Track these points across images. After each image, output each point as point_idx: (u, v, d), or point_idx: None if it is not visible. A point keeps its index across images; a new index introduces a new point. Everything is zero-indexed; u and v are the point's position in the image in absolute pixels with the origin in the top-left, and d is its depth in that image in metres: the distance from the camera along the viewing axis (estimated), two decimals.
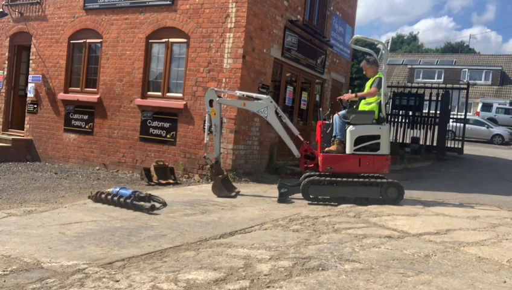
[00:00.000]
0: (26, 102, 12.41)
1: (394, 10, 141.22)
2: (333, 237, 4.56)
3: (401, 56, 48.04)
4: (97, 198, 6.21)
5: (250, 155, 9.72)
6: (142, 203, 5.81)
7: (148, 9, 10.31)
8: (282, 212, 6.02)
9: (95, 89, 11.08)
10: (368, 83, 7.27)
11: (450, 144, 16.16)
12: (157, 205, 5.92)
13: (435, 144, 15.88)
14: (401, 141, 16.29)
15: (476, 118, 27.63)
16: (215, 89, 7.80)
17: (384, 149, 6.81)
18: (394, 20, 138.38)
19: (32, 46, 12.23)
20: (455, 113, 17.70)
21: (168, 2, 9.95)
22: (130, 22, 10.55)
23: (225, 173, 7.86)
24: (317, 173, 6.99)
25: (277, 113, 7.31)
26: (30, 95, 12.17)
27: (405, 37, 76.11)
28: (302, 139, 7.44)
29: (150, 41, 10.33)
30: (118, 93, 10.66)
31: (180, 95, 9.87)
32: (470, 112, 29.05)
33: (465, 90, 16.57)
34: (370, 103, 6.99)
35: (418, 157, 14.58)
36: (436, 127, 15.85)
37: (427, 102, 16.20)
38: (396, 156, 12.05)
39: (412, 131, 16.55)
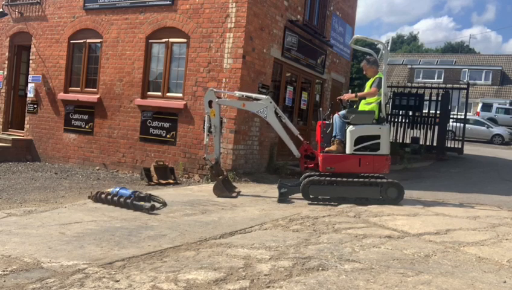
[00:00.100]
0: (26, 102, 12.41)
1: (394, 10, 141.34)
2: (333, 237, 4.56)
3: (401, 56, 48.04)
4: (97, 198, 6.21)
5: (250, 155, 9.73)
6: (142, 203, 5.82)
7: (148, 9, 10.31)
8: (282, 212, 6.02)
9: (95, 89, 11.08)
10: (368, 83, 7.27)
11: (450, 144, 16.16)
12: (157, 205, 5.92)
13: (435, 144, 15.88)
14: (401, 141, 16.29)
15: (476, 118, 27.63)
16: (215, 89, 7.81)
17: (384, 149, 6.82)
18: (394, 20, 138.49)
19: (32, 46, 12.23)
20: (455, 113, 17.70)
21: (168, 2, 9.95)
22: (130, 22, 10.55)
23: (225, 173, 7.86)
24: (317, 173, 6.99)
25: (276, 114, 7.31)
26: (30, 95, 12.18)
27: (405, 37, 76.13)
28: (302, 139, 7.44)
29: (150, 41, 10.33)
30: (118, 93, 10.66)
31: (180, 95, 9.87)
32: (470, 112, 29.05)
33: (465, 90, 16.57)
34: (370, 103, 6.99)
35: (418, 157, 14.58)
36: (436, 127, 15.85)
37: (427, 102, 16.19)
38: (396, 156, 12.05)
39: (412, 131, 16.55)
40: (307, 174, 7.17)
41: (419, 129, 16.42)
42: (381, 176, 6.86)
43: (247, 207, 6.35)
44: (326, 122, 7.25)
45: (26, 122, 12.35)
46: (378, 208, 6.19)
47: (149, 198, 6.07)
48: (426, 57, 47.80)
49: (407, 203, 6.67)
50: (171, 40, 10.04)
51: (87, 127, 11.13)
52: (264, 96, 7.62)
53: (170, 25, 9.99)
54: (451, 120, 16.87)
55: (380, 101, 6.91)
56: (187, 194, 7.34)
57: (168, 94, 10.10)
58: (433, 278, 3.37)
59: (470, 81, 25.07)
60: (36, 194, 7.40)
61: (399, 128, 16.48)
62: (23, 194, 7.34)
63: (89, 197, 6.43)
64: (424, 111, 16.46)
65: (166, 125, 9.94)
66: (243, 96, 7.92)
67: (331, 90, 13.73)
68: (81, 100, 11.18)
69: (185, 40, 9.83)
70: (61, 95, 11.58)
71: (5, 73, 12.88)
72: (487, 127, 26.07)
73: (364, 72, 7.43)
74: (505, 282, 3.39)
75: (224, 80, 9.28)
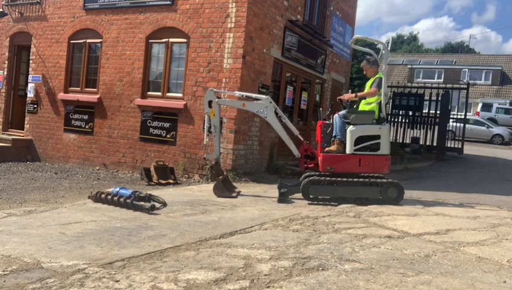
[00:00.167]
0: (26, 102, 12.42)
1: (394, 10, 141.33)
2: (333, 237, 4.56)
3: (401, 56, 48.04)
4: (97, 198, 6.21)
5: (250, 155, 9.73)
6: (142, 203, 5.82)
7: (148, 9, 10.31)
8: (282, 212, 6.02)
9: (95, 89, 11.09)
10: (368, 83, 7.27)
11: (450, 144, 16.16)
12: (157, 205, 5.92)
13: (435, 144, 15.88)
14: (401, 141, 16.29)
15: (476, 118, 27.63)
16: (215, 89, 7.81)
17: (384, 149, 6.82)
18: (394, 20, 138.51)
19: (32, 46, 12.23)
20: (455, 113, 17.70)
21: (168, 2, 9.95)
22: (130, 22, 10.55)
23: (225, 173, 7.86)
24: (317, 173, 6.99)
25: (276, 114, 7.31)
26: (30, 95, 12.18)
27: (405, 37, 76.13)
28: (302, 139, 7.45)
29: (150, 41, 10.33)
30: (118, 93, 10.66)
31: (180, 95, 9.87)
32: (470, 112, 29.05)
33: (465, 90, 16.56)
34: (370, 103, 6.99)
35: (418, 157, 14.57)
36: (436, 127, 15.86)
37: (427, 102, 16.19)
38: (396, 156, 12.05)
39: (412, 131, 16.55)
40: (307, 174, 7.17)
41: (419, 129, 16.42)
42: (381, 176, 6.86)
43: (247, 207, 6.35)
44: (326, 122, 7.25)
45: (26, 122, 12.35)
46: (378, 208, 6.19)
47: (149, 198, 6.07)
48: (426, 57, 47.81)
49: (407, 203, 6.67)
50: (171, 40, 10.04)
51: (87, 127, 11.13)
52: (264, 96, 7.62)
53: (170, 25, 9.99)
54: (451, 120, 16.87)
55: (380, 101, 6.91)
56: (187, 194, 7.34)
57: (168, 94, 10.10)
58: (433, 278, 3.37)
59: (470, 81, 25.07)
60: (36, 194, 7.40)
61: (399, 128, 16.48)
62: (23, 194, 7.34)
63: (89, 197, 6.43)
64: (424, 111, 16.46)
65: (166, 125, 9.94)
66: (242, 96, 7.92)
67: (331, 90, 13.73)
68: (81, 100, 11.18)
69: (185, 40, 9.83)
70: (61, 95, 11.58)
71: (5, 73, 12.88)
72: (487, 127, 26.07)
73: (364, 72, 7.43)
74: (505, 282, 3.39)
75: (224, 80, 9.28)
